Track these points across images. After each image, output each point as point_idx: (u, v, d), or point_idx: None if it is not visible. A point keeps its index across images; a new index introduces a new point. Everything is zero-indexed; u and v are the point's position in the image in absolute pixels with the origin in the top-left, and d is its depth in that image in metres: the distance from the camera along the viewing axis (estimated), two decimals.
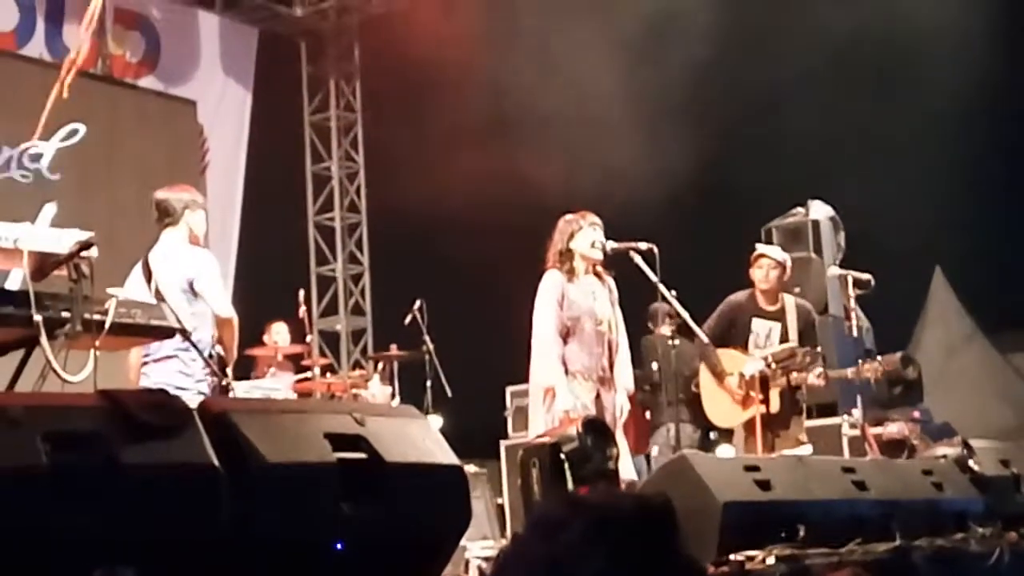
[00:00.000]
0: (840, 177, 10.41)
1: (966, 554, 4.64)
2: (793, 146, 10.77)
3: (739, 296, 7.92)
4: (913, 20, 10.08)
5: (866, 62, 10.60)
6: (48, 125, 6.88)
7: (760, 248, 8.05)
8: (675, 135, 10.75)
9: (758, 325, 7.80)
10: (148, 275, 6.19)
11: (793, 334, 7.70)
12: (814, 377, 7.54)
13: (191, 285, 6.15)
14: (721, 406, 7.82)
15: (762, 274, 7.78)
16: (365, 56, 13.76)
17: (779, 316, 7.76)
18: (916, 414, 9.00)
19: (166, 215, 6.37)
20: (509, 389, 10.29)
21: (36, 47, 11.11)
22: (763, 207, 10.29)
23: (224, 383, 6.17)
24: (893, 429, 8.57)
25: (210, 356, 6.14)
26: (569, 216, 6.66)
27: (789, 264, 7.93)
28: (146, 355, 6.18)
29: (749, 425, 7.62)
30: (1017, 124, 10.84)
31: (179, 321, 5.63)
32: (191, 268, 6.20)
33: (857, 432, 8.21)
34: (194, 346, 5.87)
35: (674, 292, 6.89)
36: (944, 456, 6.14)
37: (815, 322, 7.96)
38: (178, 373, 6.10)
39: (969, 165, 10.61)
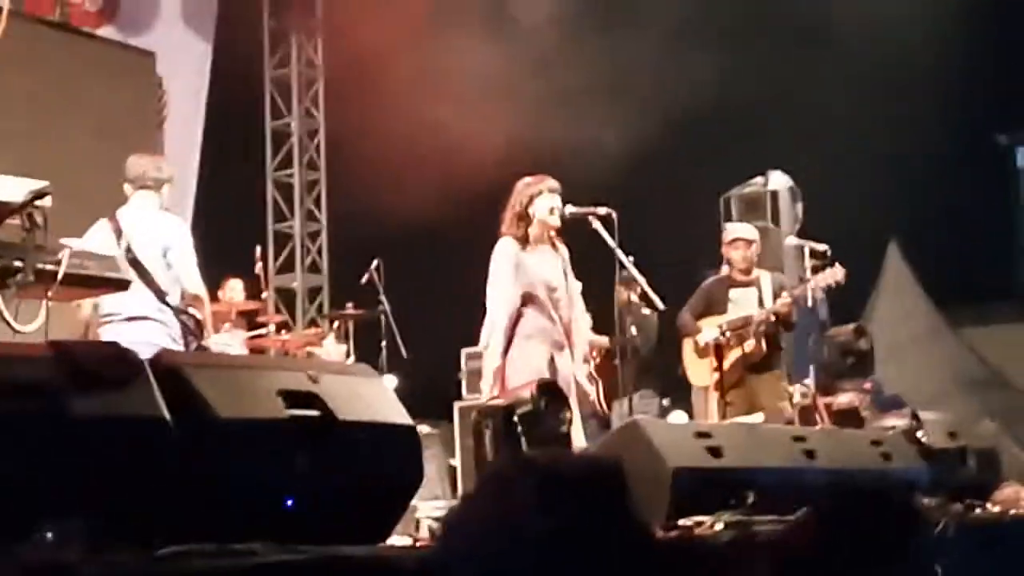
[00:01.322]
0: (798, 149, 10.44)
1: None
2: (753, 117, 10.80)
3: (714, 277, 8.44)
4: None
5: (825, 36, 10.62)
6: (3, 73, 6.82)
7: (731, 230, 8.31)
8: (632, 104, 10.76)
9: (735, 293, 8.23)
10: (118, 233, 6.21)
11: (768, 300, 7.97)
12: (783, 299, 7.98)
13: (164, 253, 6.22)
14: (699, 367, 8.34)
15: (739, 255, 8.15)
16: (328, 11, 13.64)
17: (754, 284, 8.05)
18: (867, 385, 9.08)
19: (144, 179, 6.38)
20: (464, 351, 10.30)
21: None
22: (721, 176, 10.33)
23: (203, 344, 6.24)
24: (844, 399, 8.67)
25: (191, 318, 6.21)
26: (528, 179, 6.63)
27: (758, 238, 8.23)
28: (108, 314, 6.18)
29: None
30: (968, 101, 10.92)
31: (155, 283, 5.75)
32: (167, 236, 6.28)
33: (808, 401, 8.31)
34: (169, 306, 5.96)
35: (632, 258, 6.89)
36: (893, 427, 6.21)
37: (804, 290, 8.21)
38: (161, 334, 6.13)
39: (924, 140, 10.67)
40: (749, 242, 8.24)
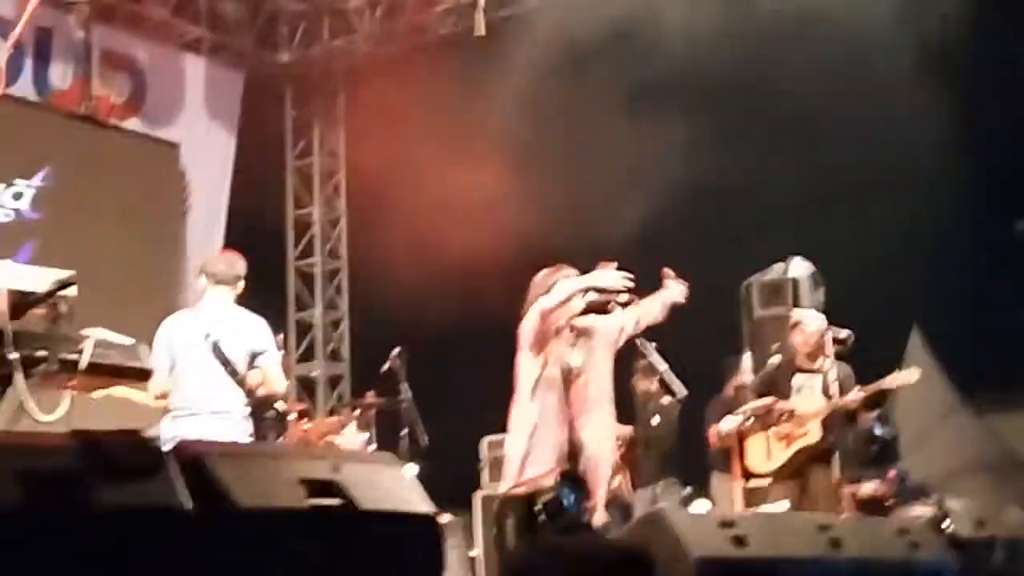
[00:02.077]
0: (820, 233, 10.46)
1: None
2: (775, 199, 10.83)
3: (776, 363, 8.43)
4: (889, 71, 10.22)
5: (848, 126, 10.69)
6: (31, 165, 7.06)
7: (795, 314, 8.28)
8: (651, 191, 10.83)
9: (799, 380, 8.17)
10: (205, 327, 6.48)
11: (834, 389, 7.88)
12: (853, 394, 7.94)
13: (253, 356, 6.52)
14: (758, 452, 8.21)
15: (800, 340, 8.05)
16: (350, 102, 13.81)
17: (820, 372, 7.98)
18: (892, 473, 9.00)
19: (224, 275, 6.70)
20: (485, 440, 10.27)
21: (24, 86, 11.13)
22: (743, 259, 10.34)
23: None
24: (869, 488, 8.59)
25: (277, 413, 6.52)
26: (545, 271, 6.67)
27: (824, 327, 8.10)
28: (186, 408, 6.45)
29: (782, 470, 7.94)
30: (989, 188, 10.93)
31: (244, 380, 6.35)
32: (258, 340, 6.62)
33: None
34: (257, 402, 6.50)
35: (654, 344, 6.88)
36: (919, 516, 6.14)
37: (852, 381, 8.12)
38: (243, 429, 6.48)
39: (944, 226, 10.67)
40: (804, 329, 8.16)
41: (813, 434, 7.92)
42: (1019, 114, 10.42)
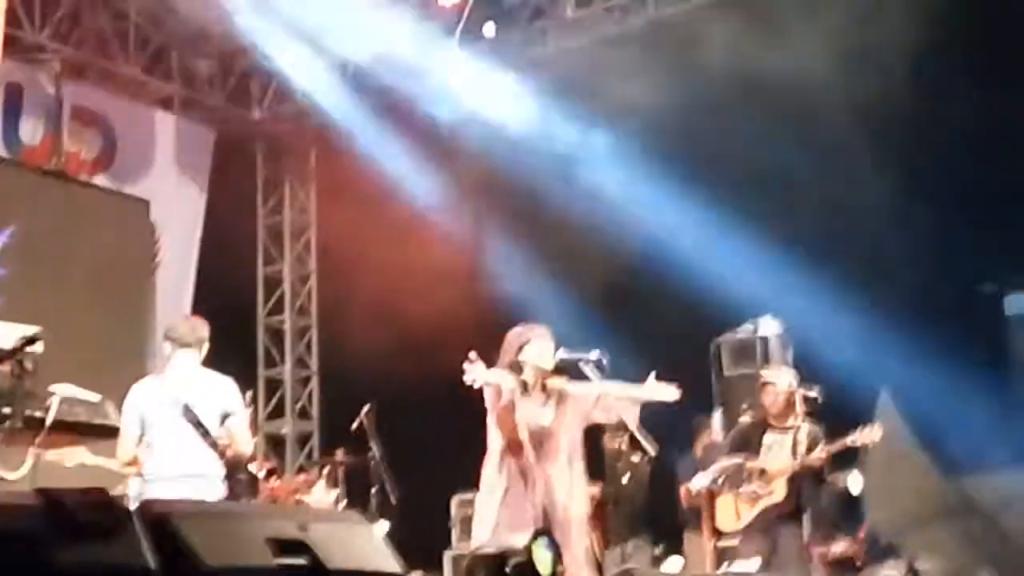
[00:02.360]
0: (787, 294, 10.51)
1: None
2: (743, 260, 10.89)
3: (750, 422, 8.47)
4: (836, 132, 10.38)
5: (811, 181, 10.80)
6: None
7: (764, 375, 8.31)
8: (619, 249, 10.90)
9: (769, 438, 8.12)
10: (173, 393, 6.45)
11: (801, 448, 7.89)
12: (818, 452, 7.91)
13: (223, 417, 6.51)
14: (727, 511, 8.19)
15: (769, 400, 8.10)
16: (321, 160, 13.83)
17: (791, 431, 7.99)
18: (862, 533, 8.99)
19: (187, 338, 6.66)
20: (455, 498, 10.21)
21: None
22: (713, 321, 10.37)
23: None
24: (839, 548, 8.57)
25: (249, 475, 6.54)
26: (517, 328, 6.67)
27: (795, 386, 8.14)
28: (157, 474, 6.40)
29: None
30: (955, 250, 11.02)
31: (215, 442, 6.34)
32: (227, 400, 6.61)
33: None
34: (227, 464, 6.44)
35: (633, 415, 6.88)
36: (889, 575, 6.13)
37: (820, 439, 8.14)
38: (218, 491, 6.43)
39: (913, 289, 10.74)
40: (779, 387, 8.18)
41: (779, 493, 7.91)
42: (962, 173, 10.53)
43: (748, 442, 8.15)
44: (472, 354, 6.20)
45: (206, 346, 6.74)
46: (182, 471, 6.32)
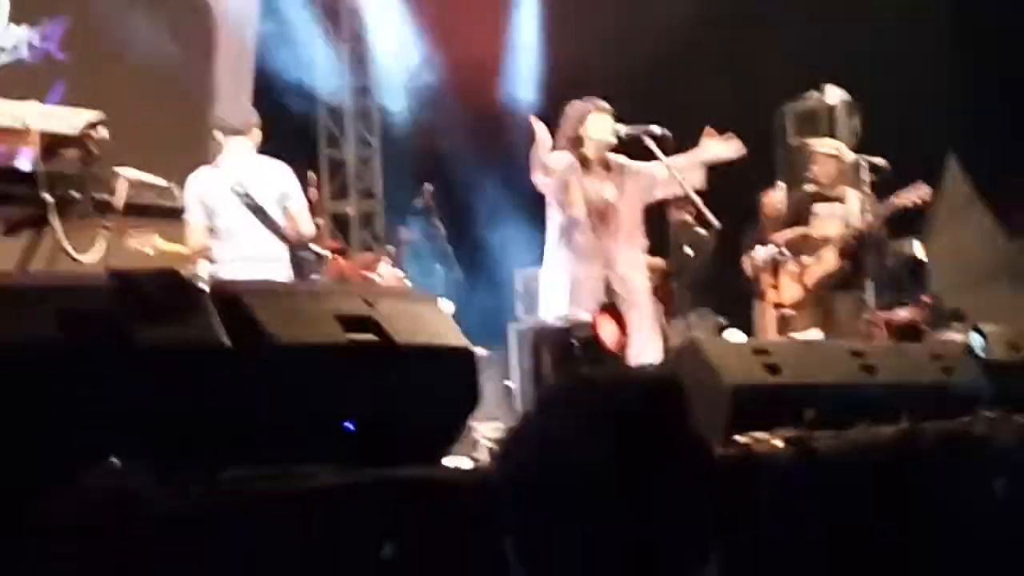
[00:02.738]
0: (853, 63, 10.28)
1: (972, 437, 4.66)
2: (808, 26, 10.64)
3: (801, 192, 8.39)
4: None
5: None
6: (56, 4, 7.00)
7: (811, 144, 8.22)
8: (681, 18, 10.65)
9: (819, 208, 8.15)
10: (233, 180, 6.56)
11: (854, 218, 7.86)
12: (865, 219, 7.91)
13: (281, 201, 6.65)
14: (787, 283, 8.22)
15: (819, 169, 8.13)
16: None
17: (840, 200, 7.96)
18: (927, 299, 9.00)
19: (237, 126, 6.73)
20: (520, 272, 10.30)
21: None
22: (777, 88, 10.19)
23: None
24: (903, 314, 8.59)
25: (315, 254, 6.82)
26: (576, 102, 6.59)
27: (845, 155, 8.10)
28: (229, 257, 6.56)
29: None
30: None
31: (277, 226, 6.51)
32: (284, 184, 6.72)
33: (868, 316, 8.24)
34: (295, 246, 6.63)
35: (698, 184, 6.84)
36: (953, 340, 6.15)
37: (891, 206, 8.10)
38: (283, 274, 6.58)
39: (982, 53, 10.47)
40: (828, 156, 8.16)
41: (828, 261, 7.95)
42: None
43: (801, 213, 8.15)
44: (533, 119, 6.15)
45: (257, 132, 6.80)
46: (248, 255, 6.45)
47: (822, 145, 8.35)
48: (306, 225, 6.78)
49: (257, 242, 6.55)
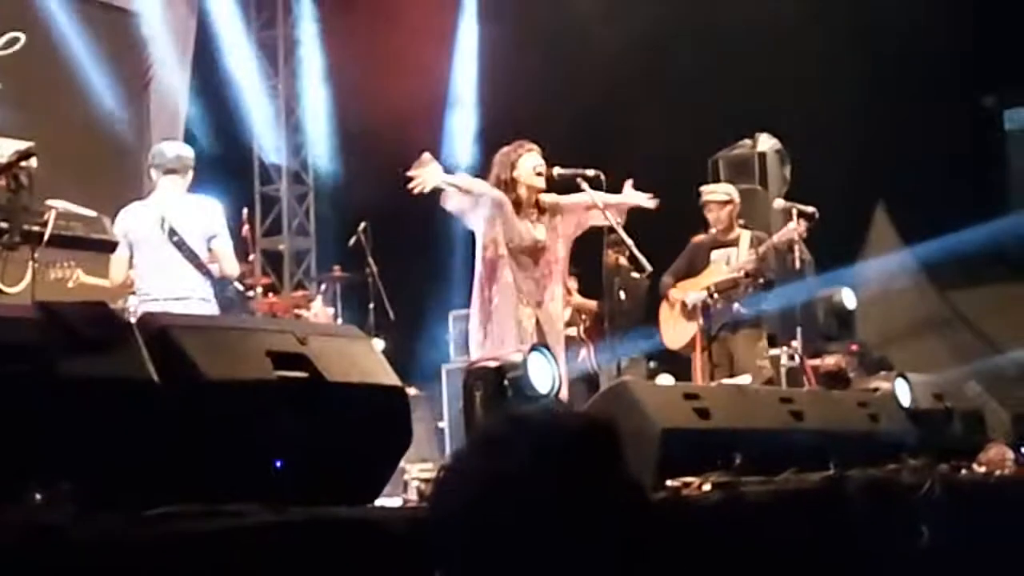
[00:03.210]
0: (786, 110, 10.42)
1: (898, 485, 4.70)
2: (740, 77, 10.78)
3: (699, 237, 8.59)
4: None
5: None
6: None
7: (704, 192, 8.42)
8: (616, 68, 10.76)
9: (716, 254, 8.40)
10: (160, 217, 6.56)
11: (743, 258, 8.05)
12: (746, 260, 8.19)
13: (208, 239, 6.64)
14: (674, 329, 8.49)
15: (713, 217, 8.33)
16: None
17: (735, 243, 8.16)
18: (854, 347, 9.10)
19: (173, 163, 6.74)
20: (452, 314, 10.29)
21: None
22: (709, 138, 10.31)
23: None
24: (830, 361, 8.69)
25: (237, 291, 6.86)
26: (505, 148, 6.65)
27: (736, 197, 8.33)
28: (150, 295, 6.52)
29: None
30: (956, 62, 10.88)
31: (203, 264, 6.51)
32: (211, 223, 6.72)
33: (796, 363, 8.32)
34: (216, 283, 6.63)
35: (620, 221, 6.88)
36: (879, 389, 6.22)
37: (769, 246, 8.33)
38: (208, 312, 6.51)
39: (912, 101, 10.65)
40: (722, 203, 8.40)
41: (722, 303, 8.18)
42: None
43: (697, 260, 8.37)
44: (425, 155, 6.16)
45: (191, 172, 6.82)
46: (172, 292, 6.45)
47: (710, 193, 8.57)
48: (230, 265, 6.78)
49: (178, 280, 6.53)
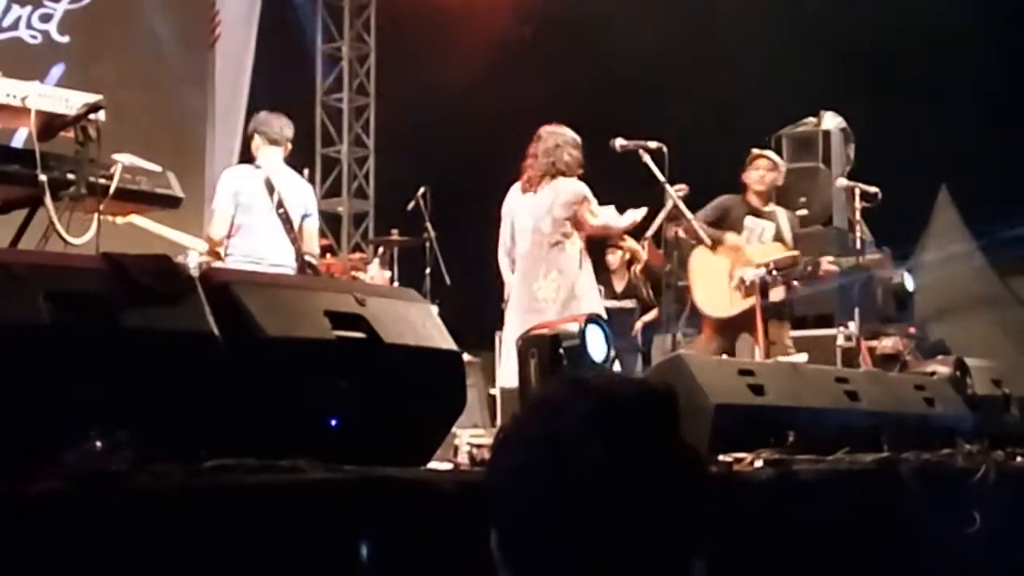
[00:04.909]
0: (852, 91, 10.32)
1: (952, 469, 4.67)
2: (806, 56, 10.69)
3: (731, 196, 8.05)
4: None
5: None
6: None
7: (757, 151, 8.12)
8: (683, 41, 10.68)
9: (752, 222, 7.90)
10: (269, 186, 6.77)
11: (787, 236, 7.85)
12: (826, 263, 7.75)
13: (303, 217, 6.88)
14: (715, 293, 7.80)
15: (758, 175, 7.94)
16: None
17: (771, 218, 7.91)
18: (911, 330, 9.02)
19: (278, 136, 6.95)
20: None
21: None
22: (774, 115, 10.23)
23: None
24: (887, 343, 8.61)
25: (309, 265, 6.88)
26: (550, 127, 6.79)
27: (784, 169, 8.09)
28: (249, 258, 6.65)
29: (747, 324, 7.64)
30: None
31: (296, 240, 6.71)
32: (309, 202, 7.02)
33: (852, 344, 8.25)
34: (304, 260, 6.78)
35: (681, 193, 6.87)
36: (936, 373, 6.17)
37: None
38: None
39: (979, 82, 10.52)
40: (772, 165, 7.99)
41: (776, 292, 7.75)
42: None
43: (731, 216, 7.89)
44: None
45: (289, 146, 7.01)
46: (268, 260, 6.62)
47: (764, 151, 8.15)
48: (315, 246, 7.02)
49: (273, 246, 6.69)
